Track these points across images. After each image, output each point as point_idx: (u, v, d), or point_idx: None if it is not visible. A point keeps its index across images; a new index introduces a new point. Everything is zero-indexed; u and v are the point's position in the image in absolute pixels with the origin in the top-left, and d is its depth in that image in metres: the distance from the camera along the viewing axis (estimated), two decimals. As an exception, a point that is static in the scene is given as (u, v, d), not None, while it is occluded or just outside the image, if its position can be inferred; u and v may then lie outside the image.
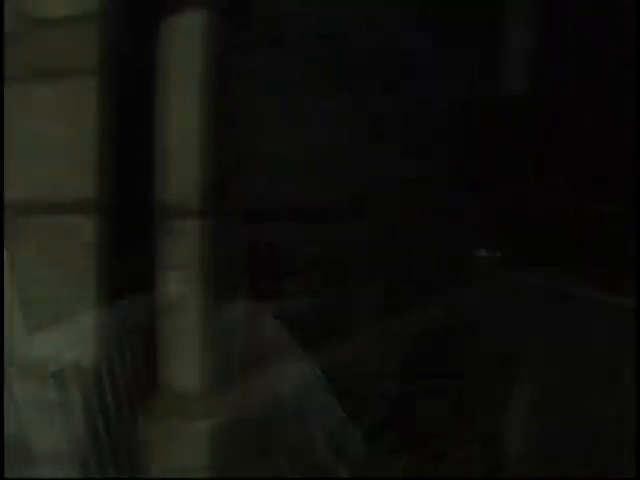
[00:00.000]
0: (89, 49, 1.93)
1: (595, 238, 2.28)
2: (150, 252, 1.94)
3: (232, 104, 1.97)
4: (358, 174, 2.43)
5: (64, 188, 2.00)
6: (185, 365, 1.92)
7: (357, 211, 2.51)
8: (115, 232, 1.92)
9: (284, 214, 2.20)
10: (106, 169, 1.91)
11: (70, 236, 1.99)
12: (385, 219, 2.50)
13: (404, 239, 2.55)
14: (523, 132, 2.47)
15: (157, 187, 1.92)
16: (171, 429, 1.89)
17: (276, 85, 2.12)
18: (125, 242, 1.94)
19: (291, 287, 2.25)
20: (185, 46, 1.90)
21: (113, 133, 1.91)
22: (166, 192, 1.91)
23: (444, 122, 2.50)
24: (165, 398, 1.96)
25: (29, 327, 2.10)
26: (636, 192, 2.16)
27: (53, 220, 2.02)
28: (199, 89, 1.88)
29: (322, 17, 2.30)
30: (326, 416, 2.18)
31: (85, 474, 1.99)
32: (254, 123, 2.05)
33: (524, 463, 2.24)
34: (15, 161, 2.11)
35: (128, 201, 1.94)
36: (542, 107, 2.50)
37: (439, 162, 2.54)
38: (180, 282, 1.91)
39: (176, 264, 1.92)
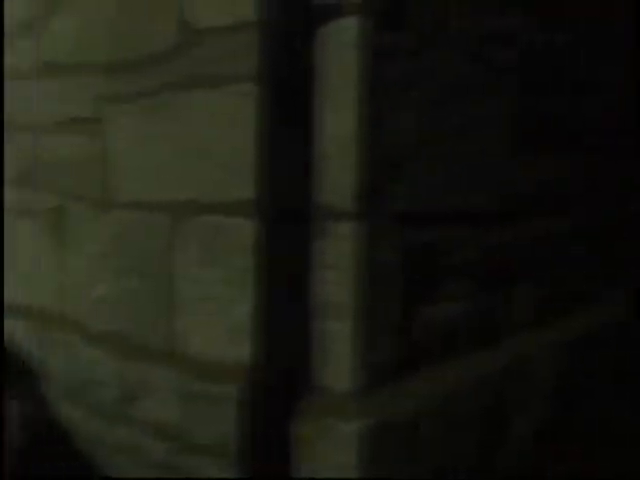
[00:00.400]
0: (248, 57, 1.98)
1: None
2: (305, 254, 1.97)
3: (389, 107, 1.97)
4: (517, 177, 2.38)
5: (224, 190, 2.07)
6: (339, 365, 1.94)
7: (516, 214, 2.45)
8: (272, 233, 1.97)
9: (440, 216, 2.18)
10: (264, 172, 1.95)
11: (229, 237, 2.05)
12: (547, 223, 2.43)
13: (566, 243, 2.47)
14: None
15: (313, 189, 1.94)
16: (323, 429, 1.91)
17: (433, 87, 2.11)
18: (281, 243, 1.98)
19: (448, 291, 2.22)
20: (342, 51, 1.91)
21: (271, 137, 1.96)
22: (322, 194, 1.93)
23: (610, 123, 2.40)
24: (318, 398, 1.98)
25: (187, 324, 2.19)
26: None
27: (213, 221, 2.10)
28: (355, 92, 1.89)
29: (482, 17, 2.26)
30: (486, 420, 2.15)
31: (241, 469, 2.05)
32: (411, 126, 2.05)
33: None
34: (179, 164, 2.20)
35: (285, 203, 1.98)
36: None
37: (605, 165, 2.45)
38: (335, 284, 1.93)
39: (331, 265, 1.94)
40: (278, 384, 2.02)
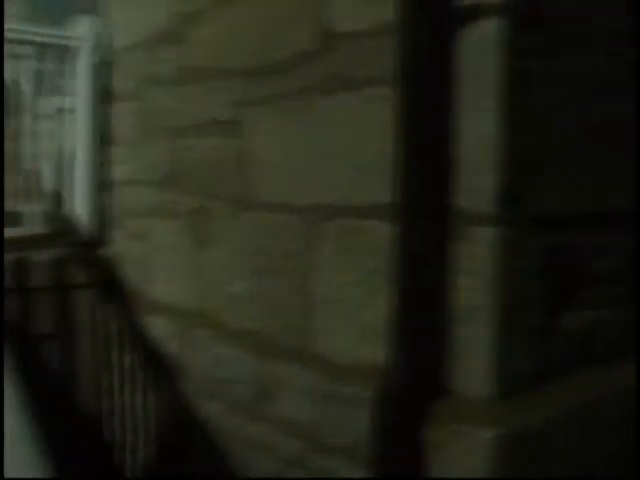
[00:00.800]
0: (385, 60, 1.98)
1: None
2: (442, 258, 1.95)
3: (528, 108, 1.93)
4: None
5: (361, 193, 2.08)
6: (474, 371, 1.91)
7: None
8: (407, 237, 1.96)
9: (579, 220, 2.12)
10: (401, 175, 1.95)
11: (364, 239, 2.06)
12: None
13: None
14: None
15: (451, 193, 1.93)
16: (456, 434, 1.89)
17: (572, 86, 2.05)
18: (417, 247, 1.97)
19: (588, 297, 2.16)
20: (481, 52, 1.89)
21: (408, 140, 1.95)
22: (459, 198, 1.91)
23: None
24: (451, 403, 1.96)
25: (321, 324, 2.21)
26: None
27: (349, 223, 2.11)
28: (495, 94, 1.86)
29: (619, 14, 2.19)
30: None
31: (370, 470, 2.05)
32: (550, 126, 2.00)
33: None
34: (315, 166, 2.23)
35: (422, 206, 1.97)
36: None
37: None
38: (472, 288, 1.91)
39: (468, 270, 1.91)
40: (411, 388, 2.02)
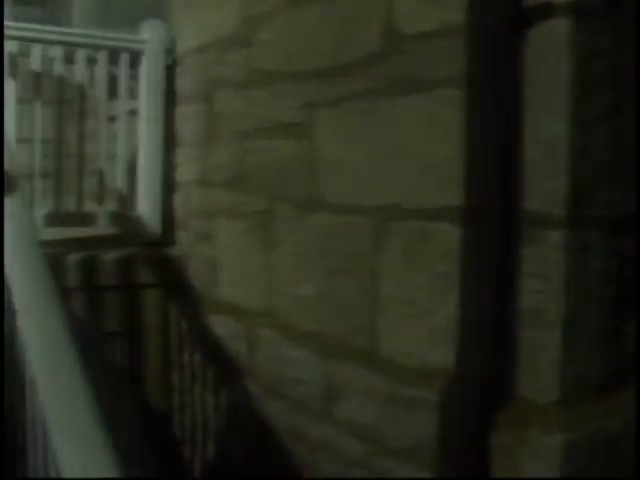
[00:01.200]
0: (454, 61, 1.97)
1: None
2: (510, 260, 1.94)
3: (598, 110, 1.90)
4: None
5: (429, 195, 2.07)
6: (542, 376, 1.89)
7: None
8: (476, 239, 1.95)
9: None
10: (470, 178, 1.94)
11: (433, 242, 2.05)
12: None
13: None
14: None
15: (519, 195, 1.91)
16: (524, 440, 1.87)
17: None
18: (486, 249, 1.96)
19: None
20: (551, 52, 1.87)
21: (477, 142, 1.94)
22: (529, 200, 1.89)
23: None
24: (518, 407, 1.94)
25: (389, 326, 2.21)
26: None
27: (418, 225, 2.11)
28: (565, 95, 1.84)
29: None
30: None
31: (435, 473, 2.04)
32: (620, 130, 1.96)
33: None
34: (384, 168, 2.23)
35: (491, 209, 1.95)
36: None
37: None
38: (542, 292, 1.88)
39: (538, 273, 1.89)
40: (477, 391, 2.00)
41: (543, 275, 1.87)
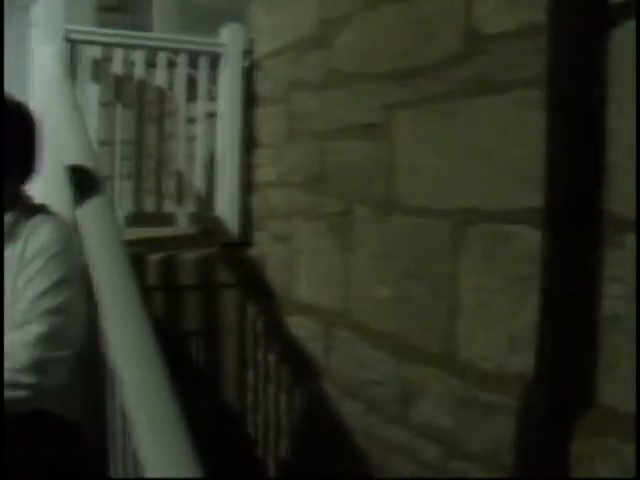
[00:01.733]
0: (534, 61, 1.95)
1: None
2: (590, 264, 1.90)
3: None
4: None
5: (507, 197, 2.05)
6: (622, 383, 1.85)
7: None
8: (556, 243, 1.92)
9: None
10: (551, 180, 1.91)
11: (512, 245, 2.03)
12: None
13: None
14: None
15: (601, 199, 1.87)
16: (604, 449, 1.83)
17: None
18: (567, 254, 1.93)
19: None
20: (631, 54, 1.82)
21: (559, 144, 1.91)
22: (610, 204, 1.86)
23: None
24: (598, 415, 1.90)
25: (465, 330, 2.19)
26: None
27: (496, 228, 2.09)
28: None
29: None
30: None
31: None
32: None
33: None
34: (462, 171, 2.22)
35: (571, 212, 1.92)
36: None
37: None
38: (622, 297, 1.84)
39: (617, 277, 1.85)
40: (556, 397, 1.97)
41: (623, 279, 1.83)
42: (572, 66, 1.90)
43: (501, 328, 2.06)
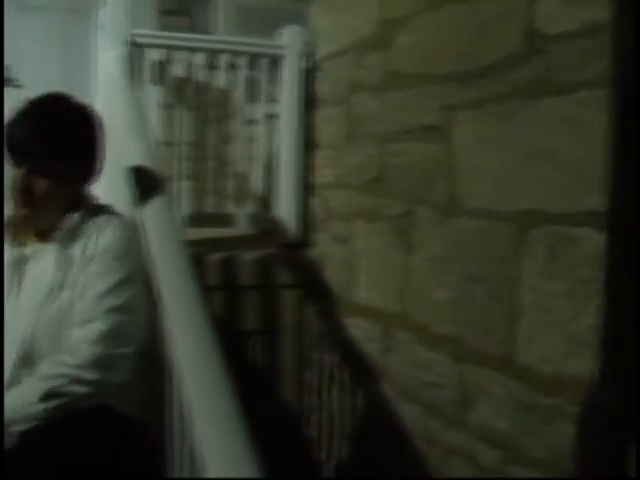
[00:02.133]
0: (597, 61, 1.92)
1: None
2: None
3: None
4: None
5: (570, 199, 2.02)
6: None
7: None
8: (622, 246, 1.88)
9: None
10: (614, 182, 1.88)
11: (575, 248, 2.00)
12: None
13: None
14: None
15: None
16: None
17: None
18: (629, 255, 1.89)
19: None
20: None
21: (623, 145, 1.88)
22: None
23: None
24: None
25: (526, 333, 2.17)
26: None
27: (559, 230, 2.06)
28: None
29: None
30: None
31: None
32: None
33: None
34: (524, 172, 2.19)
35: (634, 214, 1.88)
36: None
37: None
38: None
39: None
40: (618, 403, 1.94)
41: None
42: (635, 66, 1.86)
43: (562, 332, 2.03)
